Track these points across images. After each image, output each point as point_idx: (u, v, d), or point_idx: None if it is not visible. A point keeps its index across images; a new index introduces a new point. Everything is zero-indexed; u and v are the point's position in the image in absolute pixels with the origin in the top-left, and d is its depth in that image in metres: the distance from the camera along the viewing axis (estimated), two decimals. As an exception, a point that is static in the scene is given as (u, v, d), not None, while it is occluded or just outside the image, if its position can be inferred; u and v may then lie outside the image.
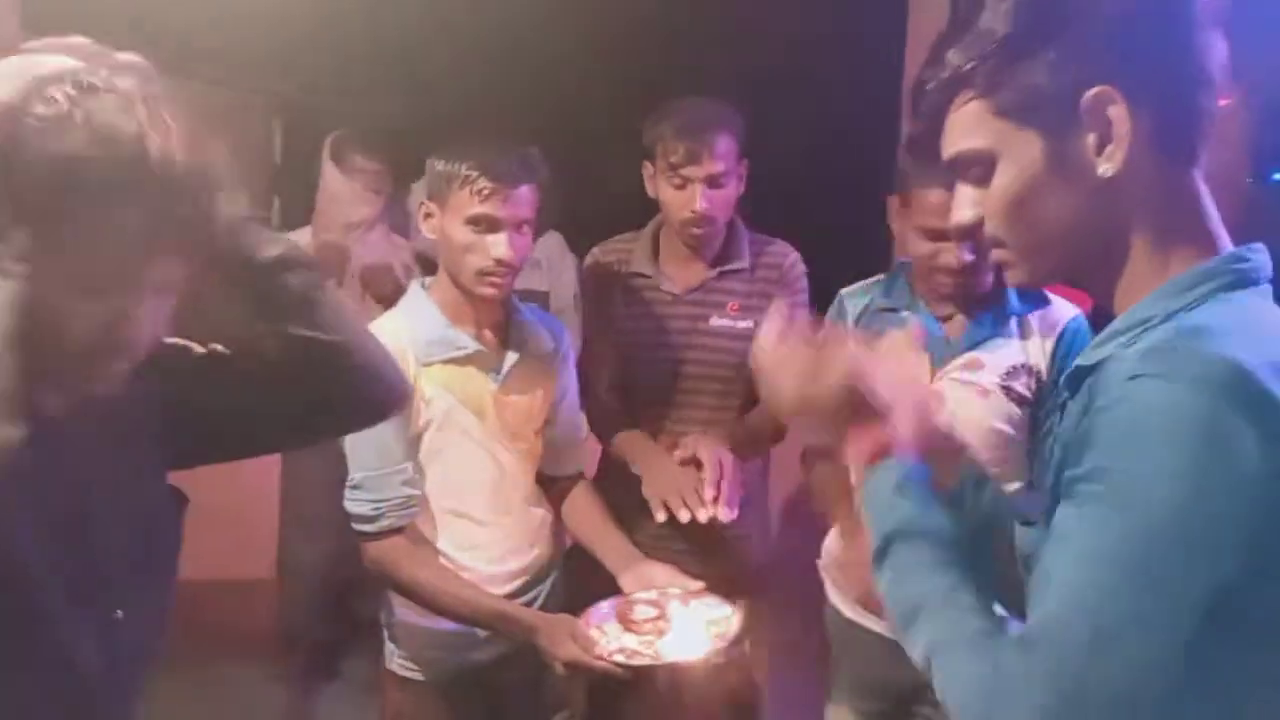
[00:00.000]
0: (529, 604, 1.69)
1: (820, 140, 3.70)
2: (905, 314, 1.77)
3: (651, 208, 1.98)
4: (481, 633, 1.62)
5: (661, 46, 3.70)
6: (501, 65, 3.46)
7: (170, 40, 2.58)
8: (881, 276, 1.90)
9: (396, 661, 1.69)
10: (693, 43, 3.72)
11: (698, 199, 1.80)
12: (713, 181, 1.81)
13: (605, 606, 1.55)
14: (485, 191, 1.53)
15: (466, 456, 1.63)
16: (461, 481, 1.64)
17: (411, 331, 1.60)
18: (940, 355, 1.71)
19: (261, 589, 3.00)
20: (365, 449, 1.57)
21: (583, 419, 1.84)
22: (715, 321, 1.91)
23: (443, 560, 1.63)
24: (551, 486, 1.79)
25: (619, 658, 1.44)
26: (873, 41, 3.60)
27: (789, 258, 1.97)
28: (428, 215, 1.61)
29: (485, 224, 1.55)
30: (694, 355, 1.91)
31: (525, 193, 1.57)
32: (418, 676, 1.67)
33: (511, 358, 1.66)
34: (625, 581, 1.60)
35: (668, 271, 1.94)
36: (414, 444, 1.60)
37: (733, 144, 1.84)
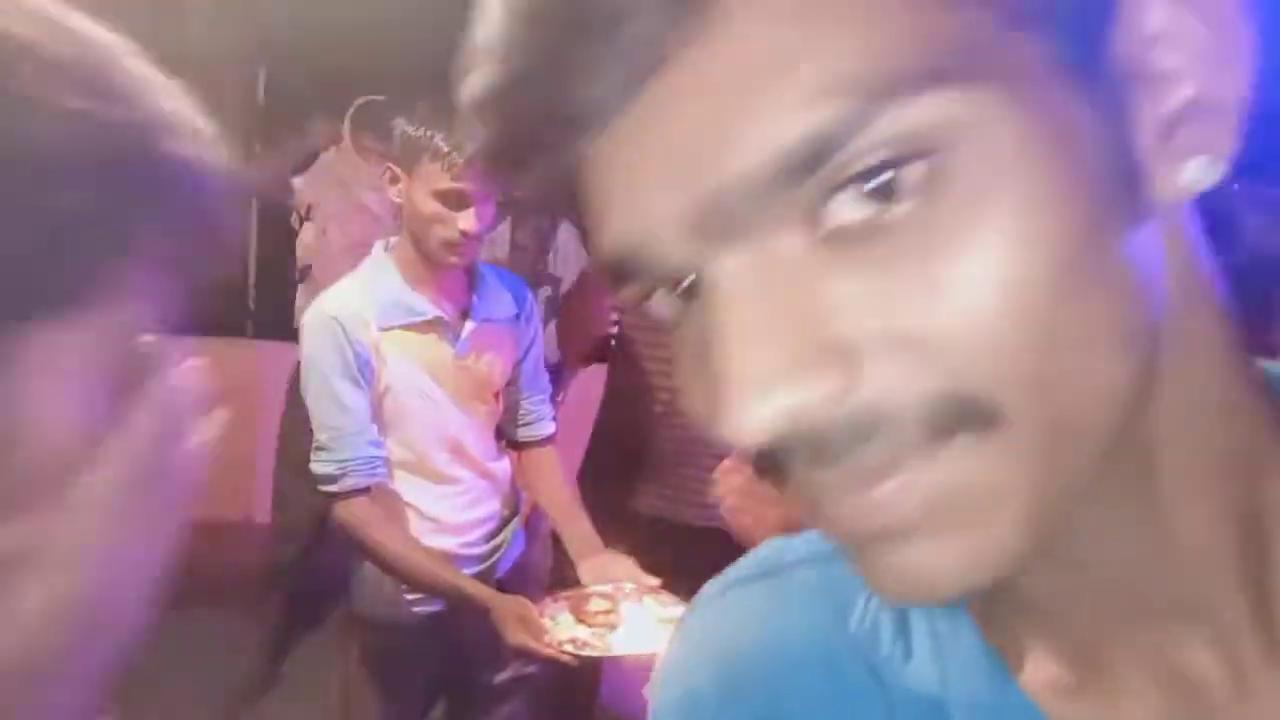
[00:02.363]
0: (494, 549, 1.76)
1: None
2: None
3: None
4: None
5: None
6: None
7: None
8: None
9: (366, 604, 1.75)
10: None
11: None
12: None
13: (561, 596, 1.61)
14: (457, 168, 1.50)
15: (426, 418, 1.66)
16: (423, 440, 1.67)
17: (371, 295, 1.61)
18: None
19: (237, 531, 3.06)
20: (328, 410, 1.59)
21: (546, 380, 1.85)
22: None
23: (411, 513, 1.68)
24: (517, 448, 1.82)
25: (569, 647, 1.48)
26: None
27: None
28: (393, 180, 1.59)
29: (454, 199, 1.53)
30: None
31: None
32: (385, 619, 1.73)
33: (470, 325, 1.67)
34: (582, 572, 1.65)
35: None
36: (377, 406, 1.63)
37: None
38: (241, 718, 2.68)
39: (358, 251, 2.96)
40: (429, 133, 1.52)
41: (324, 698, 2.65)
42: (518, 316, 1.76)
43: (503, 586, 1.74)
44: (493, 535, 1.77)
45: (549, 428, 1.84)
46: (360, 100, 3.00)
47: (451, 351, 1.66)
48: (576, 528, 1.73)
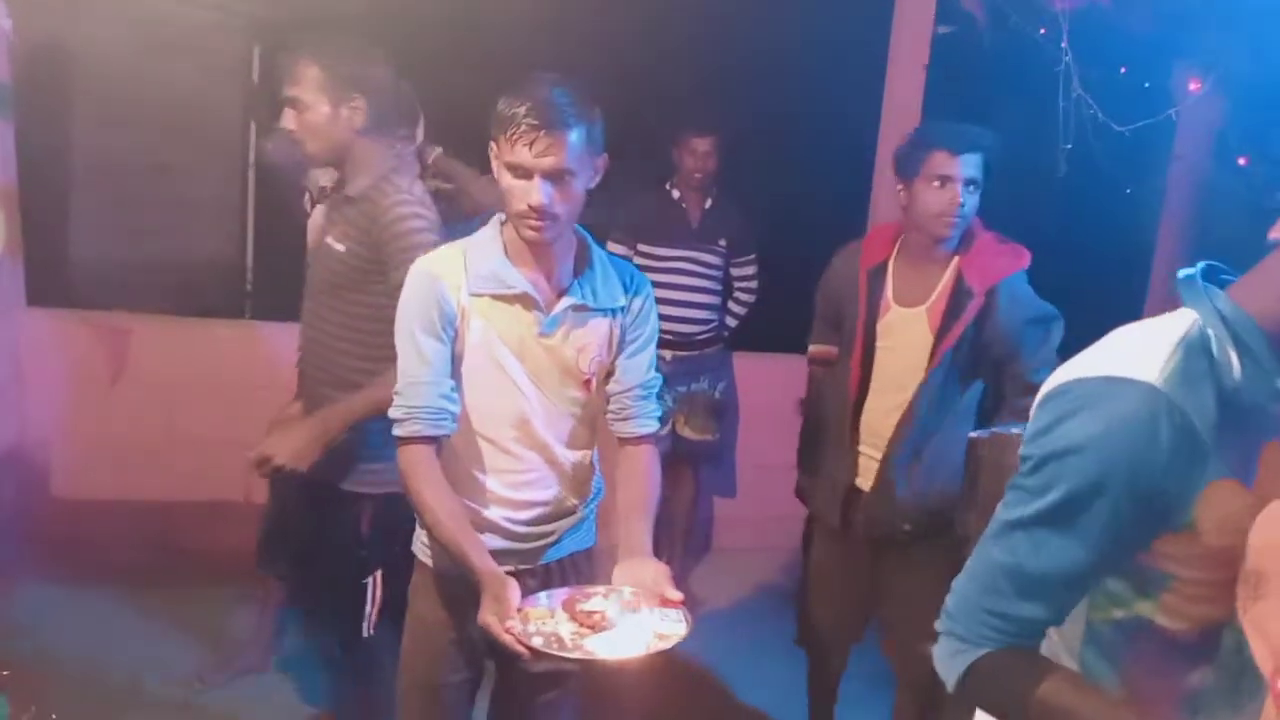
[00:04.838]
0: (545, 535, 1.75)
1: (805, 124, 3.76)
2: None
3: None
4: (497, 544, 1.70)
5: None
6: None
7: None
8: None
9: (419, 545, 1.79)
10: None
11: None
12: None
13: (567, 590, 1.59)
14: (515, 137, 1.52)
15: (500, 389, 1.66)
16: (492, 410, 1.67)
17: (471, 260, 1.64)
18: None
19: (236, 511, 3.08)
20: (408, 358, 1.64)
21: (652, 378, 1.77)
22: None
23: (471, 474, 1.70)
24: (619, 443, 1.79)
25: (537, 640, 1.45)
26: (857, 46, 3.65)
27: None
28: (493, 154, 1.60)
29: (519, 171, 1.54)
30: None
31: (561, 141, 1.52)
32: (429, 563, 1.77)
33: (564, 304, 1.65)
34: (615, 572, 1.61)
35: None
36: (456, 364, 1.65)
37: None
38: (239, 693, 2.70)
39: None
40: (504, 107, 1.54)
41: (318, 674, 2.70)
42: (624, 309, 1.72)
43: (553, 572, 1.74)
44: (545, 520, 1.75)
45: (645, 427, 1.76)
46: None
47: (535, 327, 1.65)
48: (630, 527, 1.68)
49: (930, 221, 2.08)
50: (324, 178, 2.97)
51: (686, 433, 3.51)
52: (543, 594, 1.60)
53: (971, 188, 2.06)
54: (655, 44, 3.58)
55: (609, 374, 1.74)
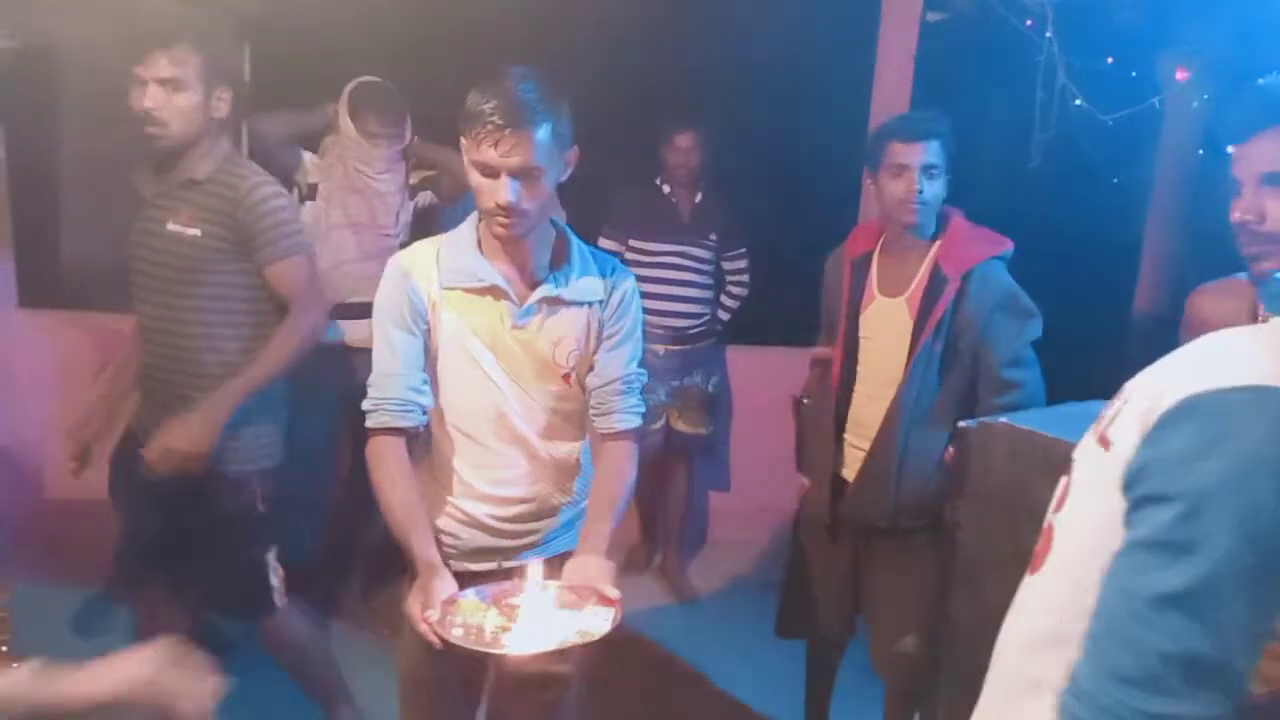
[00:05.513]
0: (529, 532, 1.74)
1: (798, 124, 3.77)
2: None
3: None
4: (482, 541, 1.72)
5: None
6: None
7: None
8: None
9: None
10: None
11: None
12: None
13: (504, 583, 1.57)
14: (481, 136, 1.52)
15: (475, 384, 1.67)
16: (468, 404, 1.69)
17: (443, 254, 1.66)
18: None
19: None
20: (379, 350, 1.66)
21: (632, 373, 1.75)
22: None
23: (452, 469, 1.71)
24: (600, 438, 1.77)
25: (457, 631, 1.44)
26: (845, 35, 3.66)
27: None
28: (463, 150, 1.59)
29: (487, 169, 1.55)
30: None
31: (528, 139, 1.51)
32: (454, 569, 1.72)
33: (536, 295, 1.66)
34: (564, 567, 1.61)
35: None
36: (431, 359, 1.67)
37: None
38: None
39: (358, 230, 3.00)
40: (471, 104, 1.54)
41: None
42: (603, 302, 1.71)
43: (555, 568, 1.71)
44: (528, 518, 1.75)
45: (624, 422, 1.74)
46: (357, 80, 2.98)
47: (508, 321, 1.66)
48: (592, 526, 1.66)
49: (895, 209, 2.12)
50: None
51: (680, 426, 3.52)
52: (474, 590, 1.56)
53: (931, 173, 2.08)
54: (643, 38, 3.58)
55: (590, 368, 1.74)
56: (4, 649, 2.19)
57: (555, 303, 1.68)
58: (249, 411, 2.13)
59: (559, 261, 1.70)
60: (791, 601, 2.46)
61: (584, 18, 3.40)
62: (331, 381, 2.72)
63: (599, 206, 3.45)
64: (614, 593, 1.53)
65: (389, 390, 1.65)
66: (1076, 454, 1.00)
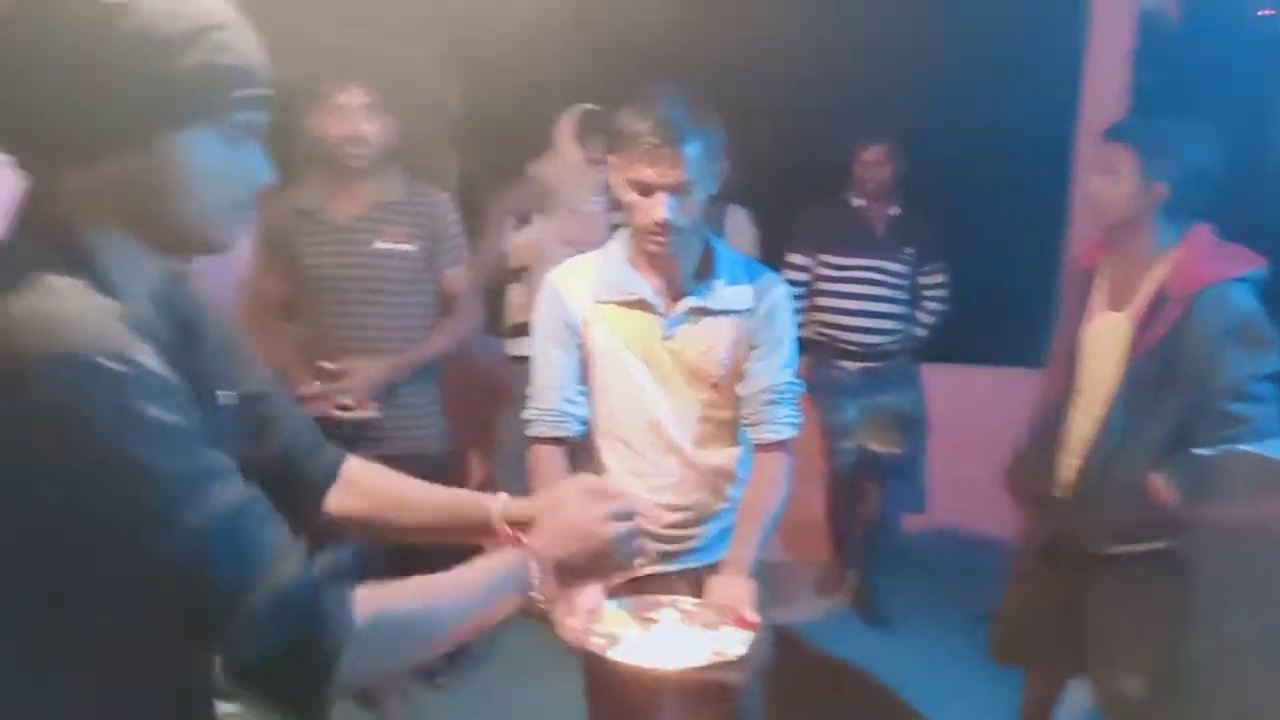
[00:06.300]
0: (685, 539, 1.77)
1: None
2: None
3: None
4: None
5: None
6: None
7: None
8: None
9: None
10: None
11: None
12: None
13: (649, 597, 1.53)
14: (636, 155, 1.56)
15: (629, 395, 1.73)
16: (624, 416, 1.75)
17: (595, 270, 1.74)
18: None
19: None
20: (536, 363, 1.75)
21: (784, 383, 1.73)
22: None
23: (616, 476, 1.75)
24: (754, 448, 1.77)
25: (598, 640, 1.41)
26: (1049, 34, 3.48)
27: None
28: (614, 169, 1.64)
29: (639, 187, 1.59)
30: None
31: (681, 156, 1.54)
32: None
33: (682, 306, 1.70)
34: (706, 585, 1.61)
35: None
36: (586, 373, 1.75)
37: None
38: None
39: (579, 249, 3.12)
40: (622, 122, 1.59)
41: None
42: (750, 311, 1.73)
43: (705, 577, 1.71)
44: (690, 524, 1.78)
45: (774, 433, 1.73)
46: (583, 108, 3.10)
47: (660, 332, 1.71)
48: (736, 546, 1.66)
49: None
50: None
51: (872, 445, 3.45)
52: (616, 600, 1.53)
53: (1137, 179, 1.93)
54: (835, 48, 3.54)
55: (740, 377, 1.75)
56: None
57: (701, 312, 1.71)
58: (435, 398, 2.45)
59: (704, 272, 1.73)
60: (1006, 626, 2.36)
61: (775, 35, 3.43)
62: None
63: (789, 223, 3.45)
64: (754, 616, 1.50)
65: (546, 402, 1.73)
66: None
